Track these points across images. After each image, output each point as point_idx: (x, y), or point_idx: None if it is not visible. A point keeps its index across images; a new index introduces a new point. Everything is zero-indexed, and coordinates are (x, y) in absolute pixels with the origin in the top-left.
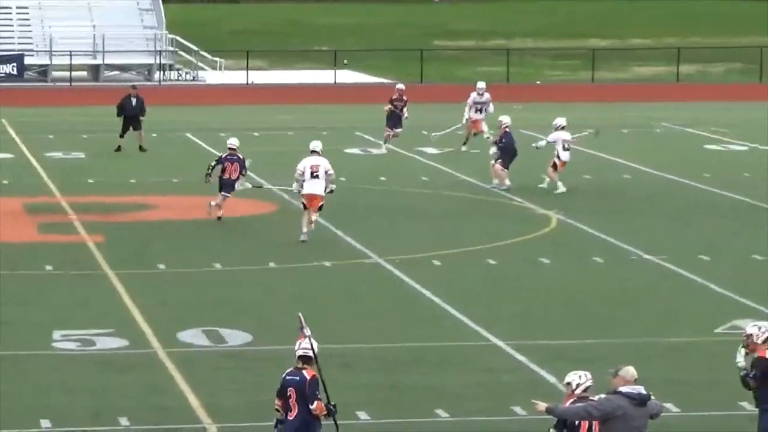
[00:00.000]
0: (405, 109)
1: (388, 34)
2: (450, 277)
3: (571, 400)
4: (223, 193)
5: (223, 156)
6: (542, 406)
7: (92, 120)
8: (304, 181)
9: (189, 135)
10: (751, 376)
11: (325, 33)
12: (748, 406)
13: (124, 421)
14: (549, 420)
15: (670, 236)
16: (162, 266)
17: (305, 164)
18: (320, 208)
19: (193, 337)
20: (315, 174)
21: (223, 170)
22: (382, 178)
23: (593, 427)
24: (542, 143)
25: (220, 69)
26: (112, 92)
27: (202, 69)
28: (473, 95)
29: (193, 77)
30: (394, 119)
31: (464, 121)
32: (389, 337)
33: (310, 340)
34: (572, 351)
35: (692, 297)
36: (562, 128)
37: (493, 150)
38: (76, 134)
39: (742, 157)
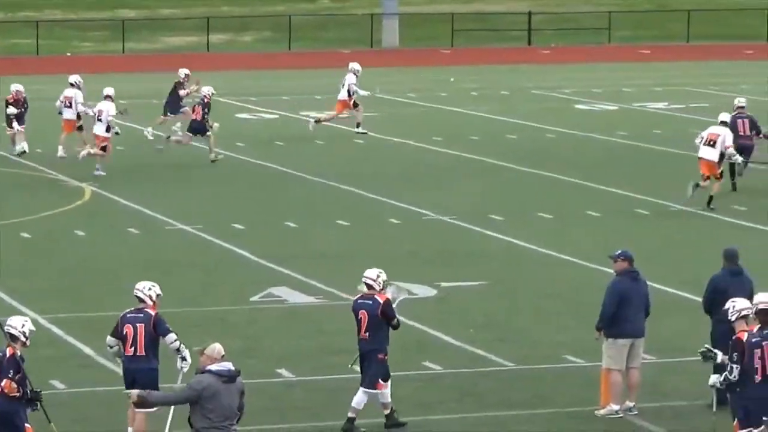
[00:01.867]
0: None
1: None
2: None
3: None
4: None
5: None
6: (134, 395)
7: None
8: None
9: None
10: None
11: None
12: (286, 373)
13: None
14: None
15: (205, 206)
16: None
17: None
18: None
19: None
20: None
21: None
22: None
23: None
24: (58, 103)
25: None
26: None
27: None
28: (354, 78)
29: None
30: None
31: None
32: None
33: None
34: (109, 322)
35: (228, 266)
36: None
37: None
38: None
39: (272, 125)
